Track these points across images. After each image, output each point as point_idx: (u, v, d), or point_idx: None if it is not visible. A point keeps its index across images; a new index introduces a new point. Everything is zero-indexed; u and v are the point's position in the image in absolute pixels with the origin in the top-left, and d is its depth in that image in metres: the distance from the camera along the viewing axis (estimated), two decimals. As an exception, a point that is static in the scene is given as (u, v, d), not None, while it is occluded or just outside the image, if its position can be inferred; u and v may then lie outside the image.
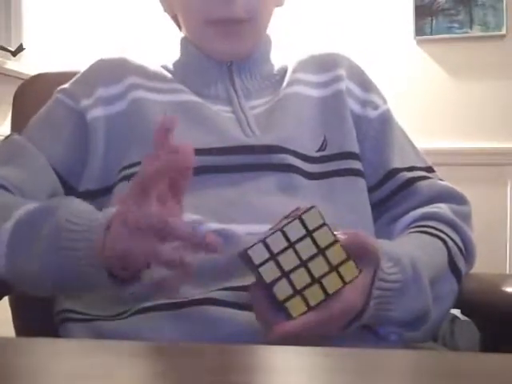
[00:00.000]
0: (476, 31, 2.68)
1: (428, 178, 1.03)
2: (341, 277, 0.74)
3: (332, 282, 0.74)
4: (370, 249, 0.80)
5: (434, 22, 2.71)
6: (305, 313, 0.74)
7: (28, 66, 2.23)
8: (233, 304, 0.82)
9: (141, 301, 0.85)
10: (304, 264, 0.74)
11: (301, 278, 0.73)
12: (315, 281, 0.74)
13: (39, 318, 1.01)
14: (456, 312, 1.03)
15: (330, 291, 0.74)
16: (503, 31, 2.65)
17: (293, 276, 0.73)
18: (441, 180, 1.04)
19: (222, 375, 0.45)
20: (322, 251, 0.74)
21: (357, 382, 0.44)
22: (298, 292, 0.74)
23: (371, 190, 1.01)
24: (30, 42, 2.33)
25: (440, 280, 0.90)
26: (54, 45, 2.49)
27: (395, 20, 2.73)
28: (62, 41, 2.54)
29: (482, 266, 1.02)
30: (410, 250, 0.89)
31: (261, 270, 0.73)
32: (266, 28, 1.07)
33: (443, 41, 2.70)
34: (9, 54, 2.22)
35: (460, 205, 1.01)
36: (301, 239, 0.73)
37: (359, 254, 0.78)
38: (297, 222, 0.73)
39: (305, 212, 0.74)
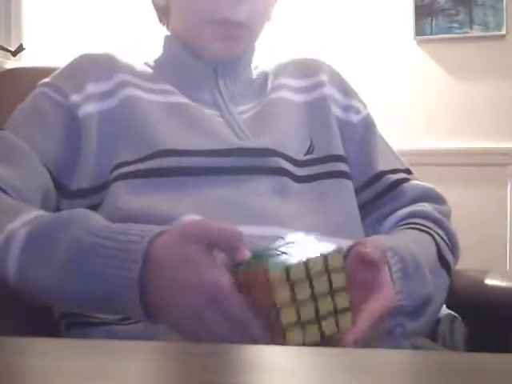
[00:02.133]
0: (476, 31, 2.68)
1: (409, 179, 1.06)
2: (337, 323, 0.74)
3: (337, 280, 0.74)
4: (374, 257, 0.81)
5: (433, 22, 2.71)
6: (353, 316, 0.74)
7: (28, 66, 2.23)
8: None
9: None
10: (315, 297, 0.73)
11: (325, 305, 0.73)
12: (333, 294, 0.73)
13: (21, 318, 1.00)
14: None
15: (343, 284, 0.74)
16: (503, 31, 2.65)
17: (322, 312, 0.73)
18: (419, 180, 1.08)
19: (221, 375, 0.45)
20: (309, 279, 0.73)
21: (357, 382, 0.44)
22: (336, 313, 0.73)
23: (357, 191, 1.04)
24: (30, 42, 2.33)
25: (433, 273, 0.93)
26: (54, 45, 2.49)
27: (395, 20, 2.73)
28: (63, 41, 2.54)
29: (481, 265, 1.02)
30: (405, 242, 0.91)
31: (307, 342, 0.71)
32: (258, 37, 1.08)
33: (443, 41, 2.70)
34: (9, 54, 2.22)
35: (440, 204, 1.04)
36: (292, 292, 0.72)
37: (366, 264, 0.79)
38: (277, 290, 0.71)
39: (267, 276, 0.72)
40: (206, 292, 0.70)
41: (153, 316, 0.75)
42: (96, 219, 0.80)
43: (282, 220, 0.91)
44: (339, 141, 1.04)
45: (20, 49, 2.23)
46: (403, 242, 0.91)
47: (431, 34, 2.71)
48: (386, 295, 0.79)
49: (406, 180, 1.05)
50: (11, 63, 2.19)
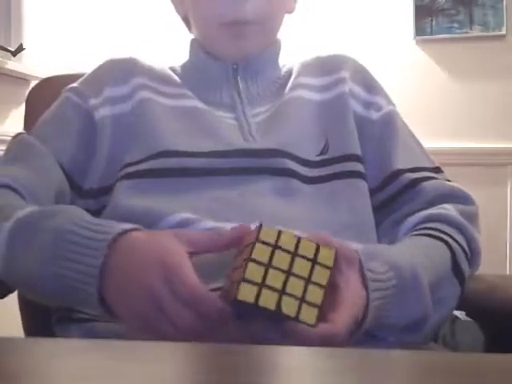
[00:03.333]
0: (476, 31, 2.68)
1: (433, 178, 1.01)
2: (322, 265, 0.73)
3: (319, 275, 0.72)
4: (335, 244, 0.78)
5: (433, 21, 2.71)
6: (318, 317, 0.71)
7: (28, 66, 2.23)
8: None
9: None
10: (289, 273, 0.72)
11: (295, 286, 0.71)
12: (308, 282, 0.72)
13: (48, 318, 1.00)
14: (457, 313, 1.02)
15: (323, 283, 0.72)
16: (503, 31, 2.65)
17: (289, 289, 0.71)
18: (448, 180, 1.03)
19: (221, 375, 0.45)
20: (294, 255, 0.72)
21: (357, 382, 0.44)
22: (302, 300, 0.71)
23: (375, 191, 1.00)
24: (30, 42, 2.33)
25: (443, 283, 0.89)
26: (54, 45, 2.49)
27: (395, 20, 2.74)
28: (63, 41, 2.54)
29: (482, 265, 1.02)
30: (410, 254, 0.88)
31: (260, 303, 0.70)
32: (276, 32, 1.08)
33: (443, 41, 2.71)
34: (9, 54, 2.22)
35: (466, 205, 0.99)
36: (271, 256, 0.72)
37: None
38: (258, 244, 0.72)
39: (259, 233, 0.72)
40: (161, 272, 0.71)
41: (109, 308, 0.75)
42: (82, 212, 0.83)
43: (283, 221, 0.91)
44: (356, 139, 1.01)
45: (20, 49, 2.23)
46: (406, 255, 0.87)
47: (431, 34, 2.71)
48: (349, 301, 0.75)
49: (427, 178, 1.00)
50: (11, 63, 2.19)
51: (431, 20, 2.71)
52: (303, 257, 0.73)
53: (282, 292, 0.71)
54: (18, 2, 2.36)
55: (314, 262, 0.73)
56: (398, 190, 1.00)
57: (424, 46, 2.73)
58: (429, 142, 2.78)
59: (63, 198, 0.96)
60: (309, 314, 0.71)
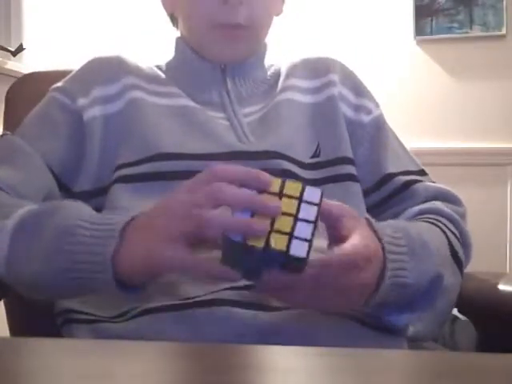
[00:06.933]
0: (476, 31, 2.68)
1: (421, 181, 1.03)
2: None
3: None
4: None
5: (433, 21, 2.71)
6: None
7: (28, 66, 2.23)
8: (236, 303, 0.82)
9: (143, 301, 0.84)
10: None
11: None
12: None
13: (34, 318, 1.00)
14: (455, 311, 1.03)
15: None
16: (503, 31, 2.65)
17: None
18: (433, 182, 1.05)
19: (221, 375, 0.45)
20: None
21: (357, 382, 0.45)
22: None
23: (366, 193, 1.02)
24: (30, 42, 2.33)
25: (445, 270, 0.89)
26: (54, 45, 2.49)
27: (395, 20, 2.73)
28: (63, 41, 2.54)
29: (482, 265, 1.02)
30: (411, 225, 0.90)
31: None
32: (266, 35, 1.08)
33: (443, 41, 2.71)
34: (9, 54, 2.22)
35: (455, 205, 1.01)
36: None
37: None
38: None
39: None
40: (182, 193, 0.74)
41: (133, 288, 0.77)
42: (83, 206, 0.83)
43: None
44: (347, 142, 1.03)
45: (20, 49, 2.23)
46: (408, 225, 0.90)
47: (431, 33, 2.71)
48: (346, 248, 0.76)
49: (417, 182, 1.03)
50: (11, 63, 2.19)
51: (431, 20, 2.71)
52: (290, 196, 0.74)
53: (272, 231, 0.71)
54: (17, 2, 2.36)
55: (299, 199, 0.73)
56: (391, 192, 1.02)
57: (424, 45, 2.73)
58: (429, 142, 2.79)
59: (52, 200, 0.95)
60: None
